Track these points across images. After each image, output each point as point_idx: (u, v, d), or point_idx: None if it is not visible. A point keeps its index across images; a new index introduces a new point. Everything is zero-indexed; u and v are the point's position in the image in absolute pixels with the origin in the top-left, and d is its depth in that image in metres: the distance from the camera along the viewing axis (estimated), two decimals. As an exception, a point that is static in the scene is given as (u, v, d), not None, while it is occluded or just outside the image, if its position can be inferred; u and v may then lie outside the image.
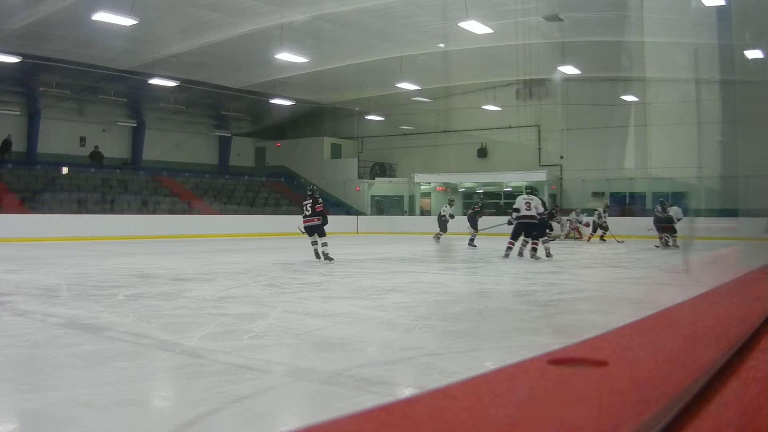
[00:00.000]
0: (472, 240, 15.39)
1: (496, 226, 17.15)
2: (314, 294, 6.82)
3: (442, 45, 19.52)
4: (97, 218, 18.94)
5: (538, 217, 11.22)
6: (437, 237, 17.63)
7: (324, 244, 10.54)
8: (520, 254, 11.16)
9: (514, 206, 11.42)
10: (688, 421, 0.65)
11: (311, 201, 10.73)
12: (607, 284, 7.66)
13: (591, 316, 5.60)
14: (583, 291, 7.28)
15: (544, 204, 11.68)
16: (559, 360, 0.72)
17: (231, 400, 2.94)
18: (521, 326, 5.07)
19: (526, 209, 10.94)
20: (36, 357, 3.90)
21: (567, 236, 19.73)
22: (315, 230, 10.66)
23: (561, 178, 24.74)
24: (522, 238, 11.17)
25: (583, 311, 5.87)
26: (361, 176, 28.65)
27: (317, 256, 10.58)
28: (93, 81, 21.27)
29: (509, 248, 11.17)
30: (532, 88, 23.31)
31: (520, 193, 26.36)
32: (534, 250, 11.03)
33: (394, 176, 29.09)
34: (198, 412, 2.77)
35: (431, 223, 25.03)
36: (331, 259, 10.39)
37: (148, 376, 3.52)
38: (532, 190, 11.05)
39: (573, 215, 20.13)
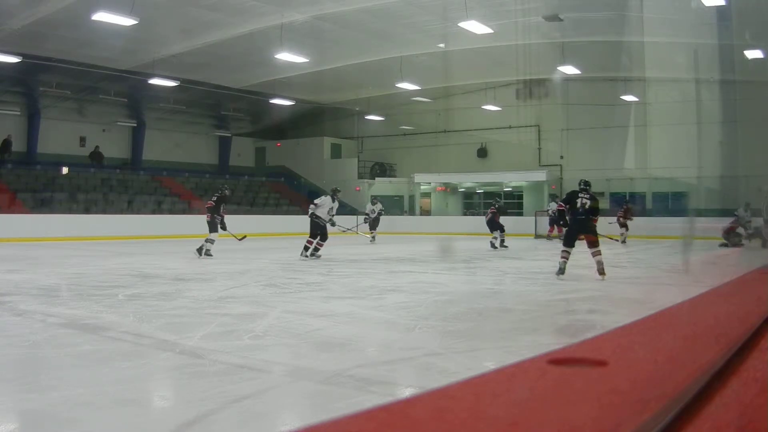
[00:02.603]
0: (502, 241, 15.26)
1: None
2: (314, 294, 6.82)
3: (442, 45, 19.51)
4: (97, 218, 18.93)
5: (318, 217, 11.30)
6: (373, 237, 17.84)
7: (207, 241, 11.55)
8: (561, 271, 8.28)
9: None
10: (688, 421, 0.65)
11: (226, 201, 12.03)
12: (607, 284, 7.66)
13: (591, 316, 5.60)
14: (583, 291, 7.27)
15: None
16: (559, 360, 0.72)
17: (231, 400, 2.94)
18: (521, 326, 5.07)
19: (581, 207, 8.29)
20: (36, 357, 3.90)
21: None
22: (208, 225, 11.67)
23: (561, 178, 24.72)
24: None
25: (583, 311, 5.87)
26: (361, 176, 28.64)
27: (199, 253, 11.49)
28: (93, 81, 21.27)
29: (564, 260, 8.29)
30: (532, 88, 23.30)
31: (520, 193, 26.65)
32: None
33: (394, 176, 29.09)
34: (198, 412, 2.77)
35: (431, 223, 25.13)
36: (202, 256, 11.36)
37: (148, 376, 3.52)
38: (586, 185, 8.55)
39: None
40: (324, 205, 11.47)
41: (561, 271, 8.20)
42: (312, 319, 5.19)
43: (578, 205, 8.24)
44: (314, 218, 11.45)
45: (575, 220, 8.35)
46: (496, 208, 16.03)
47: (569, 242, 8.36)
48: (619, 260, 12.50)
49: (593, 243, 8.15)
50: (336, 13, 16.31)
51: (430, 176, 27.30)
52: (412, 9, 16.31)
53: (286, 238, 19.18)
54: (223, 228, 11.59)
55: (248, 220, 21.06)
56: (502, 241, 15.28)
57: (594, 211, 8.23)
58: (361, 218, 18.98)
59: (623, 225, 17.17)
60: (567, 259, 8.25)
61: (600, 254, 8.11)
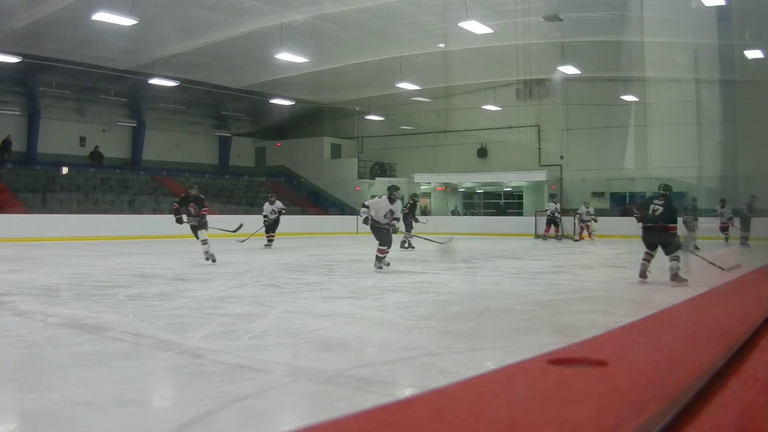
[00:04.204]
0: (404, 242, 14.25)
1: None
2: (314, 294, 6.82)
3: (442, 45, 19.52)
4: (97, 218, 18.93)
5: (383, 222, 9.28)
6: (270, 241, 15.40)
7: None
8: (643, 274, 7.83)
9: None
10: (688, 421, 0.65)
11: (195, 201, 10.64)
12: (607, 284, 7.66)
13: (591, 316, 5.60)
14: (583, 291, 7.28)
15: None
16: (559, 360, 0.72)
17: (231, 400, 2.94)
18: (521, 326, 5.07)
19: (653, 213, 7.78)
20: (36, 357, 3.90)
21: (581, 236, 19.23)
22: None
23: (561, 178, 24.75)
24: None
25: (583, 311, 5.87)
26: (361, 176, 28.65)
27: (211, 258, 10.31)
28: (93, 81, 21.28)
29: (645, 261, 7.84)
30: (532, 88, 23.31)
31: (520, 193, 26.65)
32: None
33: (394, 176, 29.08)
34: (198, 412, 2.77)
35: (431, 223, 25.02)
36: (209, 261, 10.27)
37: (148, 376, 3.52)
38: (665, 190, 7.94)
39: (583, 208, 19.24)
40: (379, 207, 9.44)
41: (641, 273, 7.74)
42: (312, 319, 5.19)
43: (650, 211, 7.74)
44: (374, 224, 9.44)
45: (644, 228, 7.84)
46: (407, 207, 14.80)
47: (647, 246, 7.80)
48: (619, 260, 12.50)
49: (667, 249, 7.59)
50: (336, 13, 16.31)
51: (430, 176, 27.32)
52: (412, 9, 16.31)
53: (286, 238, 19.17)
54: (198, 227, 10.48)
55: (248, 220, 21.14)
56: (404, 242, 14.27)
57: (665, 219, 7.59)
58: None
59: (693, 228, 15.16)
60: (648, 261, 7.72)
61: (677, 260, 7.47)
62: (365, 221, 9.47)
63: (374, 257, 9.50)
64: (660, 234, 7.59)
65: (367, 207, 9.49)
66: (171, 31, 17.45)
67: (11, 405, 2.95)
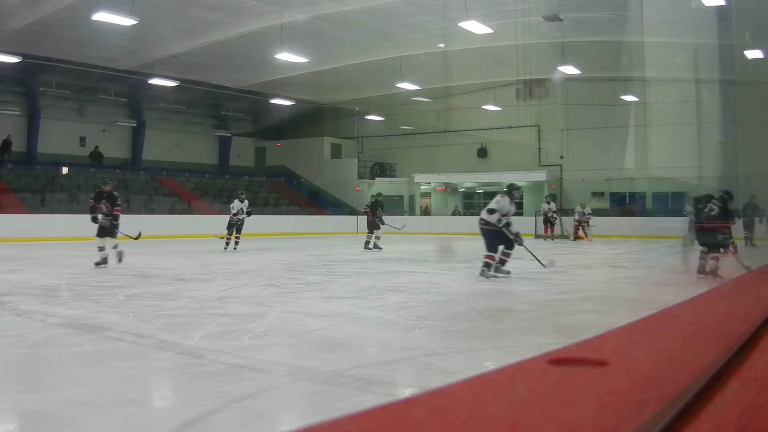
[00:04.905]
0: (367, 243, 14.11)
1: None
2: (314, 294, 6.82)
3: (442, 45, 19.53)
4: (97, 218, 18.92)
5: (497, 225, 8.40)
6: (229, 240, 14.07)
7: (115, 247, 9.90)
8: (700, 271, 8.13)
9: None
10: (688, 421, 0.65)
11: (108, 198, 9.81)
12: (607, 284, 7.66)
13: (591, 316, 5.60)
14: (583, 291, 7.28)
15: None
16: (559, 360, 0.72)
17: (231, 400, 2.94)
18: (521, 326, 5.07)
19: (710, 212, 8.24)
20: (36, 357, 3.90)
21: (576, 236, 19.19)
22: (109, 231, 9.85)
23: (561, 178, 24.74)
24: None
25: (583, 311, 5.87)
26: (361, 176, 28.65)
27: (105, 261, 9.75)
28: (93, 81, 21.28)
29: (702, 261, 8.18)
30: (532, 88, 23.31)
31: (520, 193, 26.55)
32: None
33: (394, 176, 29.10)
34: (198, 412, 2.77)
35: (431, 223, 25.13)
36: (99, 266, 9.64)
37: (148, 376, 3.52)
38: (725, 194, 8.45)
39: (579, 208, 19.23)
40: (500, 208, 8.46)
41: (698, 269, 8.14)
42: (312, 319, 5.18)
43: (706, 209, 8.27)
44: (488, 227, 8.52)
45: (697, 228, 8.32)
46: (369, 206, 14.48)
47: (701, 244, 8.22)
48: (619, 260, 12.50)
49: (713, 246, 8.02)
50: (336, 13, 16.31)
51: (430, 176, 27.31)
52: (412, 9, 16.31)
53: (285, 238, 19.21)
54: (109, 229, 9.77)
55: (248, 219, 21.11)
56: (367, 242, 14.11)
57: (717, 219, 8.06)
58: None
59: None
60: (704, 260, 8.04)
61: (716, 259, 7.80)
62: (507, 227, 8.49)
63: (485, 264, 8.51)
64: (710, 233, 8.11)
65: (497, 211, 8.43)
66: (171, 31, 17.45)
67: (11, 405, 2.95)
